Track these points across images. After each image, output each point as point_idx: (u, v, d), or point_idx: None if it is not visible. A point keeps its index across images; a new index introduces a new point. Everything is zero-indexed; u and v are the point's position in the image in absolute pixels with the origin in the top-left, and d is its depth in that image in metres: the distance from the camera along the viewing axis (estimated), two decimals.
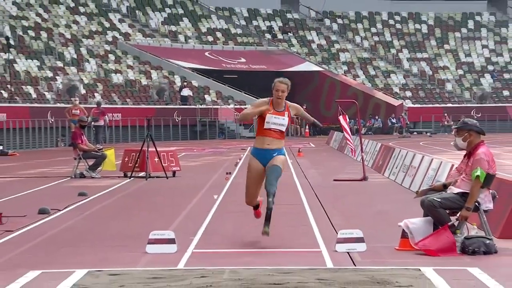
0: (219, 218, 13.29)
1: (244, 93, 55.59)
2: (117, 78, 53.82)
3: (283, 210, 14.40)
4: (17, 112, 41.96)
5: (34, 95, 47.54)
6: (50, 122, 43.05)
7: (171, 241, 9.94)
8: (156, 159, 21.41)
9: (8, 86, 46.12)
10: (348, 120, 22.64)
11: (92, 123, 36.93)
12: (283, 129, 10.21)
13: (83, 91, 50.15)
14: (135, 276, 8.31)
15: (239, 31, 64.29)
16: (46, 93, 48.59)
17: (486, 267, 8.64)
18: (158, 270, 8.63)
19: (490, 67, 65.80)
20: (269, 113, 10.15)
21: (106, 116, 40.51)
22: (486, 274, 8.27)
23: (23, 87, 47.86)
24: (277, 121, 10.16)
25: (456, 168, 10.45)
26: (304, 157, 30.93)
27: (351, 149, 23.66)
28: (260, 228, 10.25)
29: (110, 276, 8.32)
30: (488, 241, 9.66)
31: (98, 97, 49.40)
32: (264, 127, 10.17)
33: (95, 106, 41.00)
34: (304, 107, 59.34)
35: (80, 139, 22.37)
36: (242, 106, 54.52)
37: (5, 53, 48.51)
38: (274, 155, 10.23)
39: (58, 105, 45.57)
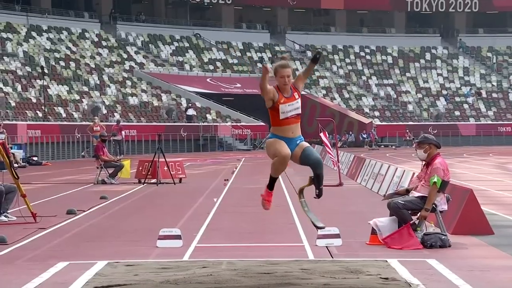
0: (218, 218, 13.22)
1: (240, 112, 55.55)
2: (133, 100, 53.72)
3: (272, 210, 14.33)
4: (49, 129, 41.90)
5: (64, 115, 47.40)
6: (77, 137, 42.95)
7: (177, 237, 9.88)
8: (166, 168, 21.34)
9: (43, 107, 46.00)
10: (327, 135, 22.69)
11: (112, 137, 36.94)
12: (300, 111, 8.12)
13: (104, 111, 50.01)
14: (147, 267, 8.24)
15: (235, 61, 64.29)
16: (74, 113, 48.46)
17: (441, 258, 8.60)
18: (167, 262, 8.56)
19: (444, 92, 65.89)
20: (281, 104, 7.94)
21: (123, 132, 40.57)
22: (441, 264, 8.24)
23: (55, 108, 47.72)
24: (292, 107, 8.01)
25: (417, 175, 10.42)
26: (289, 166, 30.80)
27: (333, 161, 23.63)
28: (252, 225, 10.18)
29: (126, 267, 8.25)
30: (443, 237, 9.62)
31: (117, 116, 49.28)
32: (281, 118, 7.97)
33: (115, 123, 41.02)
34: None
35: (102, 151, 22.29)
36: (238, 124, 54.49)
37: (40, 80, 48.41)
38: (297, 142, 8.17)
39: (84, 123, 45.43)
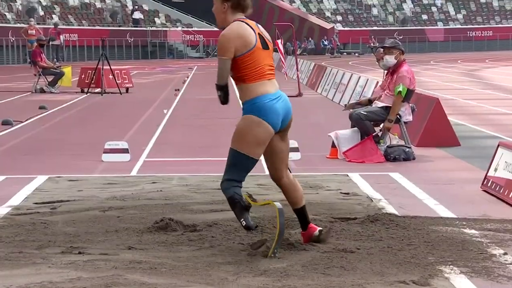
0: (168, 130, 13.24)
1: (191, 16, 54.88)
2: (73, 1, 52.53)
3: (226, 122, 14.39)
4: None
5: None
6: (11, 41, 42.09)
7: (124, 150, 9.89)
8: (111, 76, 21.18)
9: None
10: (283, 42, 22.94)
11: (50, 42, 36.37)
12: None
13: (41, 13, 48.89)
14: (92, 182, 8.26)
15: None
16: (6, 13, 47.28)
17: (405, 172, 8.77)
18: (113, 177, 8.58)
19: None
20: None
21: (62, 36, 39.91)
22: (405, 178, 8.41)
23: None
24: None
25: (380, 85, 10.50)
26: None
27: (285, 72, 24.32)
28: (204, 139, 10.21)
29: (69, 182, 8.26)
30: (407, 149, 9.80)
31: (55, 18, 48.25)
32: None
33: (52, 26, 40.26)
34: None
35: (39, 57, 22.02)
36: (190, 29, 53.86)
37: None
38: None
39: (18, 25, 44.44)
